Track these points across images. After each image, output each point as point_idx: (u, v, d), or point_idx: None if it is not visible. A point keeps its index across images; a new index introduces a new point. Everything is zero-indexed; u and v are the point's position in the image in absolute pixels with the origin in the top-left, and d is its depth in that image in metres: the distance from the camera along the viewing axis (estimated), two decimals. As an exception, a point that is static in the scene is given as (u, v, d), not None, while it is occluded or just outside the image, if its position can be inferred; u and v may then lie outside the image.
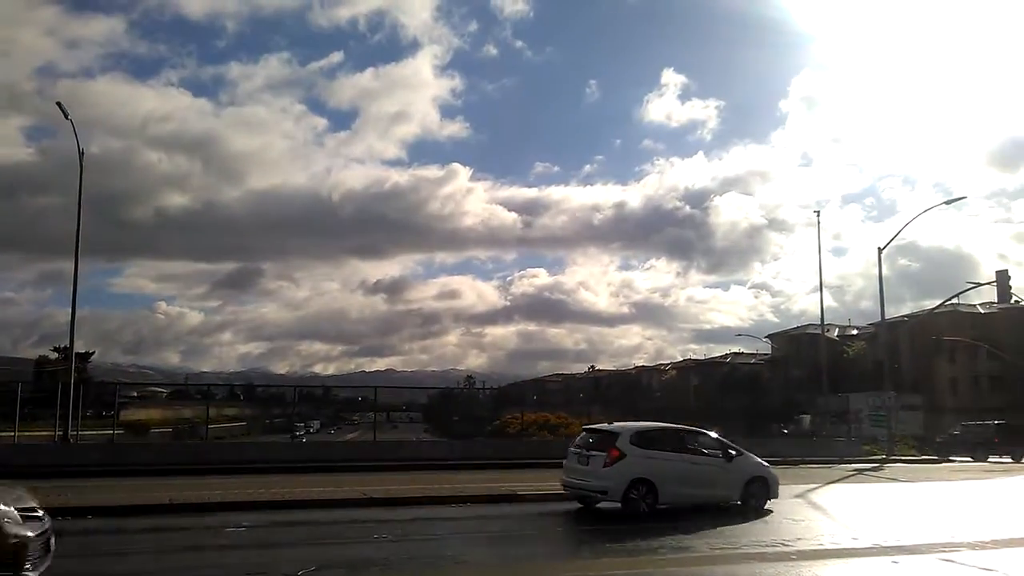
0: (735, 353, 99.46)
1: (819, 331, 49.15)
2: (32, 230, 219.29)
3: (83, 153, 27.40)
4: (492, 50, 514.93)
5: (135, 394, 63.45)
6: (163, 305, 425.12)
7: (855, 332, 78.92)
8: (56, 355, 73.20)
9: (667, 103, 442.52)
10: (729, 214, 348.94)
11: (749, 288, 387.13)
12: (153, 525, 12.54)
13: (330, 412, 70.68)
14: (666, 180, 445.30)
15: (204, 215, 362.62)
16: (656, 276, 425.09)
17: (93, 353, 78.73)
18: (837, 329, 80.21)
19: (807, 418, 45.09)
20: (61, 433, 25.88)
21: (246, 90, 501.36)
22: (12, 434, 27.93)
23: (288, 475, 21.64)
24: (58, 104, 26.87)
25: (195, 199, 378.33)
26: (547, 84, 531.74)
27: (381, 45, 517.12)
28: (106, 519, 12.94)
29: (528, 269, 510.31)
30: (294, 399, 56.41)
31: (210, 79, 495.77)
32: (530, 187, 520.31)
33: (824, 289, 47.68)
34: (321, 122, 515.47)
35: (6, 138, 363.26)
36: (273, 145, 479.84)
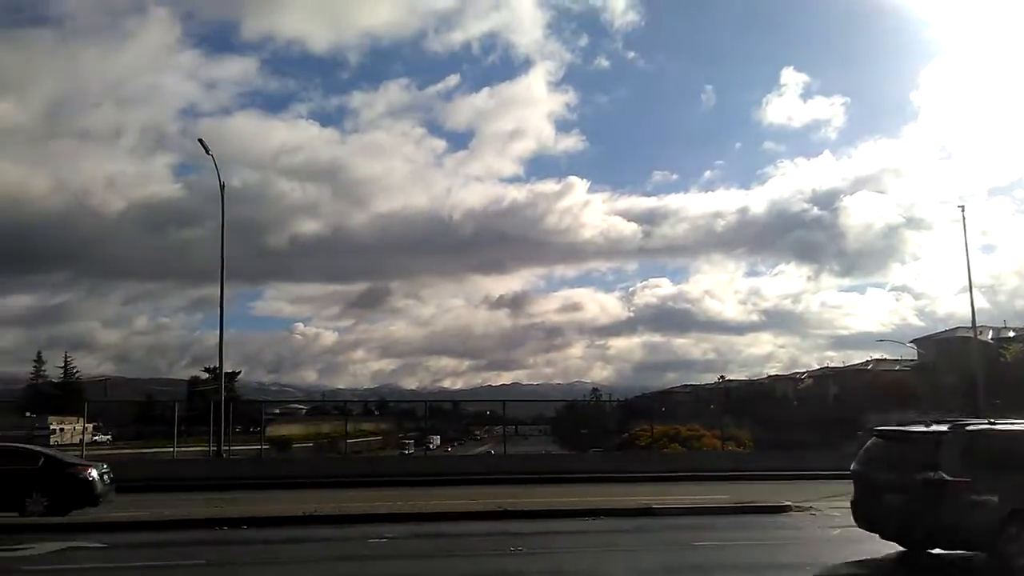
0: (877, 360, 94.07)
1: (971, 334, 45.74)
2: (182, 260, 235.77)
3: (224, 186, 29.23)
4: (604, 62, 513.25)
5: (278, 411, 66.96)
6: (300, 326, 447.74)
7: (1012, 334, 72.90)
8: (206, 375, 78.31)
9: (788, 103, 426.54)
10: (862, 214, 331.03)
11: (889, 291, 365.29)
12: (302, 535, 13.13)
13: (459, 426, 72.07)
14: (791, 182, 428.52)
15: (334, 239, 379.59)
16: (786, 281, 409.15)
17: (239, 373, 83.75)
18: (991, 331, 74.35)
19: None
20: (214, 448, 27.53)
21: (368, 117, 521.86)
22: (171, 450, 30.04)
23: (422, 488, 22.15)
24: (200, 141, 28.83)
25: (326, 224, 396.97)
26: (661, 92, 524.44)
27: (495, 65, 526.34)
28: (259, 529, 13.66)
29: (650, 279, 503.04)
30: (425, 414, 57.90)
31: (335, 109, 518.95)
32: (649, 196, 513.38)
33: (974, 289, 44.32)
34: (440, 144, 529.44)
35: (156, 176, 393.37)
36: (395, 169, 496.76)
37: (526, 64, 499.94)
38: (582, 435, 43.79)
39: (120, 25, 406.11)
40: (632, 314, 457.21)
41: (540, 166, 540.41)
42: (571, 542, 12.57)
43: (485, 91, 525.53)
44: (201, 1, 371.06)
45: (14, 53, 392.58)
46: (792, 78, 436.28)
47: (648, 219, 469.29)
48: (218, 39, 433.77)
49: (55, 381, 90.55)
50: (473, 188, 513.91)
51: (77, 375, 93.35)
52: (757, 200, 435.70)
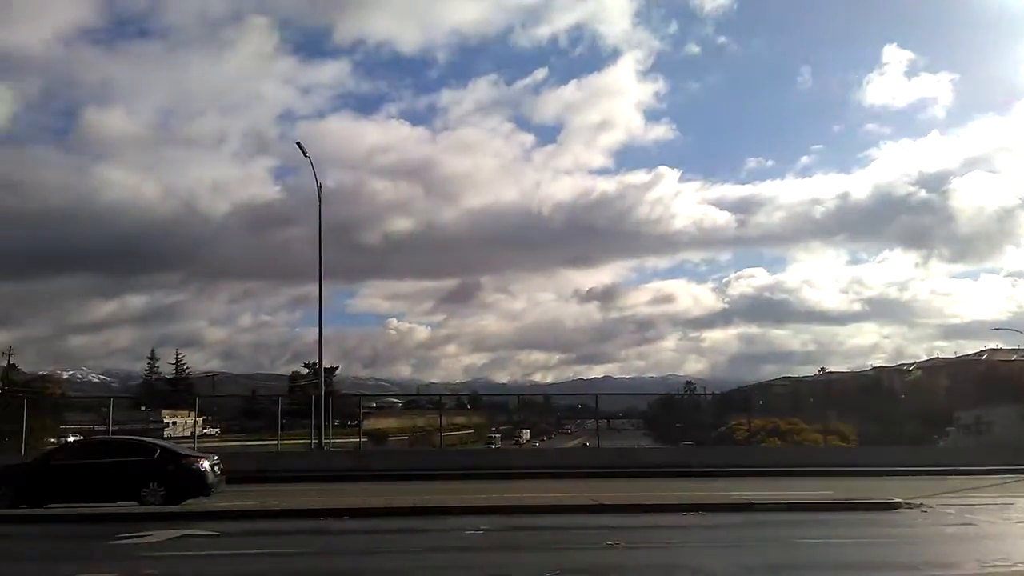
0: (991, 349, 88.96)
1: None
2: (282, 259, 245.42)
3: (320, 187, 30.14)
4: (694, 48, 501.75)
5: (374, 405, 68.68)
6: (394, 322, 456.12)
7: None
8: (306, 371, 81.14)
9: (891, 82, 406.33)
10: (973, 196, 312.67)
11: (1005, 276, 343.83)
12: (401, 526, 13.40)
13: (550, 420, 72.11)
14: (896, 164, 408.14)
15: (426, 236, 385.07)
16: (890, 268, 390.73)
17: (337, 368, 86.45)
18: (1119, 318, 69.10)
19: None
20: (316, 441, 28.44)
21: (457, 115, 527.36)
22: (275, 442, 31.21)
23: (516, 481, 22.30)
24: (298, 144, 29.79)
25: (418, 221, 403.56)
26: (755, 77, 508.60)
27: (582, 57, 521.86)
28: (361, 520, 14.01)
29: (745, 269, 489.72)
30: (517, 407, 58.23)
31: (424, 108, 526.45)
32: (742, 184, 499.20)
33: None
34: (528, 138, 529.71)
35: (257, 179, 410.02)
36: (485, 164, 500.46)
37: (614, 54, 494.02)
38: (676, 429, 43.09)
39: (221, 35, 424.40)
40: (727, 305, 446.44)
41: (629, 157, 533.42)
42: (669, 537, 12.38)
43: (573, 83, 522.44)
44: (296, 8, 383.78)
45: (124, 65, 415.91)
46: (895, 55, 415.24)
47: (742, 207, 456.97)
48: (312, 45, 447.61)
49: (167, 377, 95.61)
50: (562, 181, 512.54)
51: (187, 371, 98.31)
52: (859, 184, 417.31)
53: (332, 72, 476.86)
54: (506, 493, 17.77)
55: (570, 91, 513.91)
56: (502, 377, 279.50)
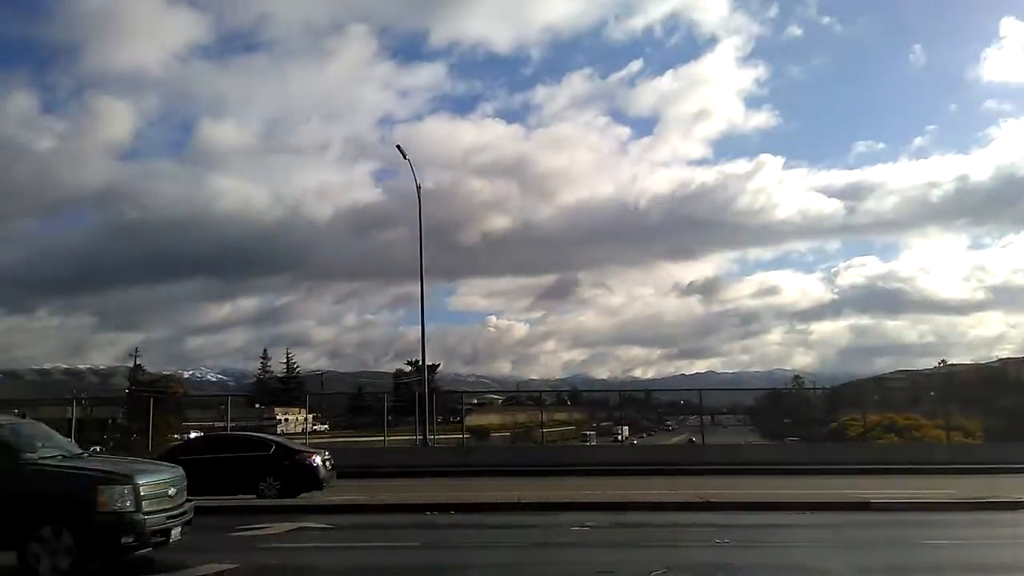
0: None
1: None
2: (384, 259, 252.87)
3: (420, 188, 30.66)
4: (797, 31, 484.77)
5: (476, 401, 69.41)
6: (493, 319, 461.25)
7: None
8: (409, 368, 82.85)
9: (1010, 56, 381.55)
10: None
11: None
12: (506, 521, 13.51)
13: (652, 415, 71.19)
14: (1018, 143, 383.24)
15: (523, 233, 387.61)
16: (1016, 253, 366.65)
17: (439, 365, 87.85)
18: None
19: None
20: (421, 438, 29.00)
21: (552, 111, 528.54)
22: (381, 439, 32.04)
23: (619, 477, 22.10)
24: (397, 147, 30.38)
25: (514, 219, 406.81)
26: (862, 57, 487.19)
27: (678, 46, 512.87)
28: (467, 514, 14.21)
29: (855, 258, 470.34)
30: (618, 403, 57.81)
31: (519, 106, 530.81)
32: (851, 169, 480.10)
33: None
34: (624, 131, 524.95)
35: (359, 182, 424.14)
36: (580, 159, 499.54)
37: (711, 42, 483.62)
38: (784, 425, 41.73)
39: (323, 44, 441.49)
40: (836, 296, 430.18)
41: (729, 146, 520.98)
42: (781, 536, 11.99)
43: (669, 74, 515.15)
44: (394, 14, 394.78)
45: (234, 79, 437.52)
46: (1013, 28, 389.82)
47: (851, 194, 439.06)
48: (409, 49, 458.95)
49: (279, 376, 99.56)
50: (659, 173, 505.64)
51: (297, 370, 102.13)
52: (979, 165, 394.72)
53: (429, 75, 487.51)
54: (610, 490, 17.64)
55: (666, 82, 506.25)
56: (601, 373, 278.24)
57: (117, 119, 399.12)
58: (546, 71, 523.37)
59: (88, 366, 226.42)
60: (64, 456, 9.75)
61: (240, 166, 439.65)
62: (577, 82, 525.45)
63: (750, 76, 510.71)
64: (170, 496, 9.39)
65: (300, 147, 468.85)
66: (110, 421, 50.86)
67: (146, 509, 8.86)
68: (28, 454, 9.23)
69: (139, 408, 45.27)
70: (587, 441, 52.44)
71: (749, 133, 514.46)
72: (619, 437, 58.35)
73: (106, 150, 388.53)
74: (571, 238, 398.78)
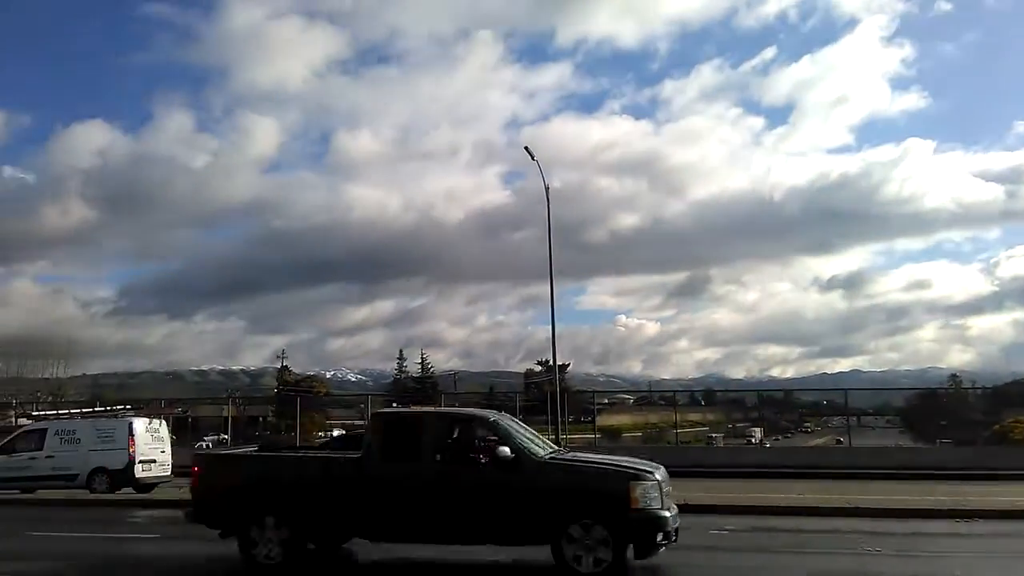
0: None
1: None
2: (513, 261, 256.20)
3: (548, 188, 30.76)
4: (945, 6, 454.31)
5: (606, 401, 69.12)
6: (623, 318, 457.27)
7: None
8: (540, 368, 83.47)
9: None
10: None
11: None
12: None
13: (792, 416, 68.42)
14: None
15: (652, 230, 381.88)
16: None
17: (569, 365, 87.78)
18: None
19: None
20: (553, 437, 29.13)
21: (681, 104, 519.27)
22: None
23: (757, 480, 21.38)
24: (525, 148, 30.58)
25: (644, 216, 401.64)
26: (1020, 30, 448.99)
27: (815, 30, 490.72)
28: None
29: (1018, 247, 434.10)
30: (755, 403, 55.97)
31: (647, 101, 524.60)
32: (1011, 151, 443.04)
33: None
34: (757, 121, 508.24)
35: (488, 185, 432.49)
36: (711, 153, 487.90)
37: (851, 23, 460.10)
38: (940, 427, 39.08)
39: (451, 53, 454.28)
40: (997, 288, 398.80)
41: (873, 131, 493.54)
42: (937, 545, 11.21)
43: (805, 59, 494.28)
44: (519, 17, 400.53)
45: (368, 91, 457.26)
46: None
47: (1013, 177, 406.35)
48: (535, 51, 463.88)
49: (414, 376, 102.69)
50: (796, 164, 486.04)
51: (432, 370, 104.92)
52: None
53: (554, 75, 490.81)
54: (749, 492, 17.08)
55: (802, 68, 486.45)
56: (737, 372, 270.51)
57: (263, 135, 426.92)
58: (674, 64, 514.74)
59: (240, 367, 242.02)
60: (554, 450, 10.01)
61: (375, 174, 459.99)
62: (707, 73, 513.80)
63: (895, 56, 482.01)
64: (669, 494, 9.07)
65: (431, 153, 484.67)
66: (261, 419, 54.29)
67: (666, 506, 8.75)
68: (537, 449, 9.39)
69: (287, 406, 48.06)
70: (713, 443, 50.97)
71: (895, 117, 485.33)
72: (752, 439, 56.49)
73: (254, 164, 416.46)
74: (702, 234, 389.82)
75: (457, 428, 9.88)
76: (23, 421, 41.71)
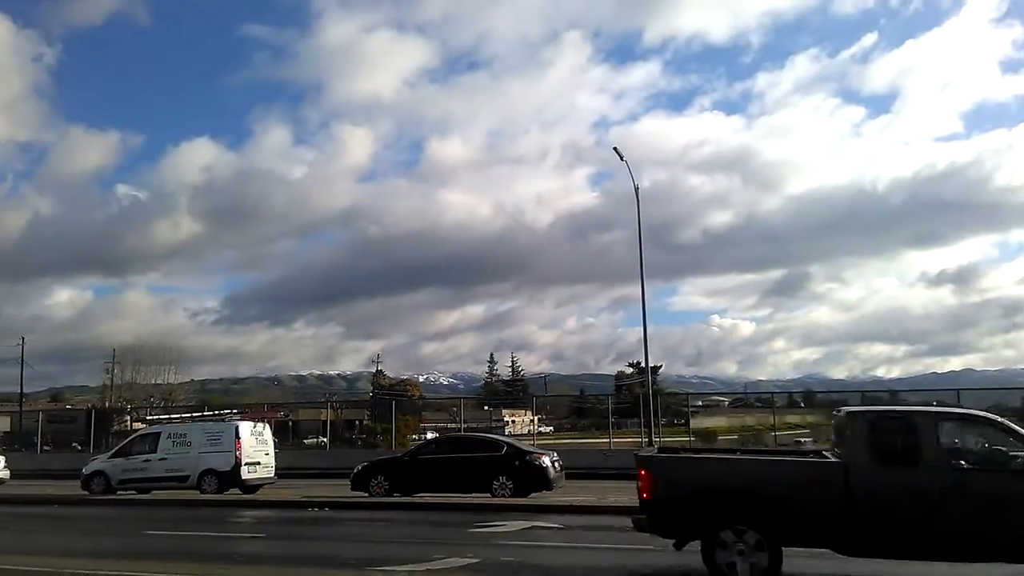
0: None
1: None
2: (603, 262, 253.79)
3: (638, 188, 30.48)
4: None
5: (700, 403, 67.63)
6: (716, 318, 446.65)
7: None
8: (631, 370, 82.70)
9: None
10: None
11: None
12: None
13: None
14: None
15: (746, 228, 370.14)
16: None
17: (660, 367, 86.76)
18: None
19: None
20: (646, 440, 28.76)
21: (775, 97, 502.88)
22: (605, 440, 32.19)
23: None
24: (614, 149, 30.41)
25: (737, 214, 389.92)
26: None
27: (918, 14, 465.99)
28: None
29: None
30: (859, 404, 53.73)
31: (739, 96, 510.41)
32: None
33: None
34: (857, 111, 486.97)
35: (576, 187, 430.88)
36: (808, 146, 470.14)
37: (956, 5, 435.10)
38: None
39: (539, 56, 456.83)
40: None
41: (984, 117, 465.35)
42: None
43: (908, 44, 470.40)
44: (607, 17, 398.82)
45: (458, 98, 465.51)
46: None
47: None
48: (623, 50, 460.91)
49: (505, 379, 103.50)
50: (899, 154, 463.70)
51: (522, 373, 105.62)
52: None
53: (643, 74, 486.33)
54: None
55: (905, 53, 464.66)
56: (839, 372, 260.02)
57: (357, 145, 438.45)
58: (767, 57, 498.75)
59: (337, 372, 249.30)
60: None
61: (465, 179, 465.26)
62: (802, 64, 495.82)
63: (1006, 38, 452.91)
64: None
65: (520, 157, 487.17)
66: (357, 422, 55.66)
67: None
68: None
69: (382, 410, 49.11)
70: (801, 445, 48.97)
71: (1008, 101, 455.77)
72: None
73: (348, 174, 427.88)
74: (800, 230, 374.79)
75: (960, 429, 9.09)
76: (137, 425, 44.18)
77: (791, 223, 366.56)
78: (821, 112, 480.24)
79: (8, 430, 55.04)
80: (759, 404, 62.49)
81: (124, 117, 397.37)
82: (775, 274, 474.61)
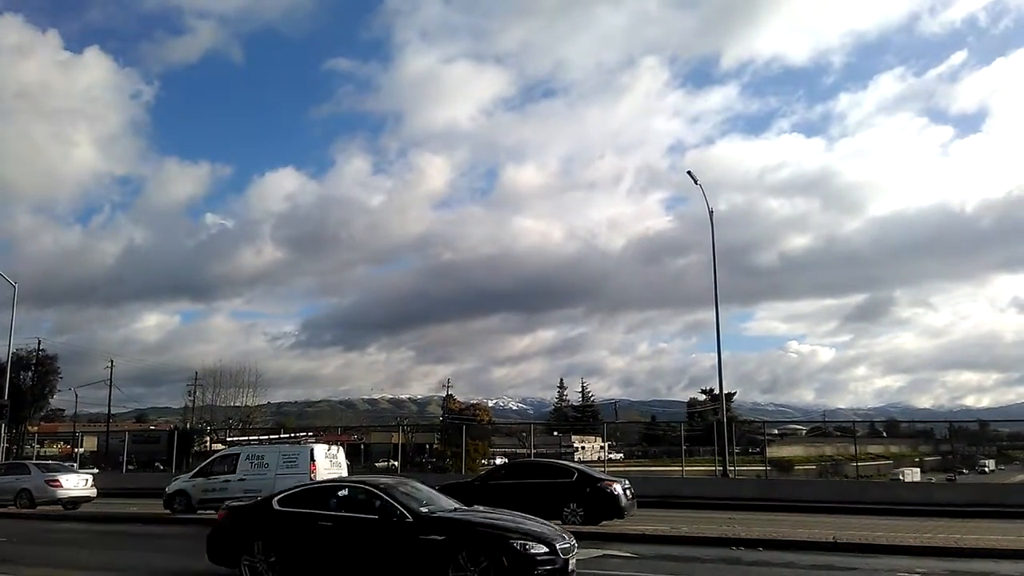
0: None
1: None
2: (676, 287, 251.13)
3: (712, 212, 30.11)
4: None
5: (776, 432, 65.86)
6: (794, 344, 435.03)
7: None
8: (704, 396, 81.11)
9: None
10: None
11: None
12: (820, 562, 12.48)
13: (990, 449, 62.19)
14: None
15: (826, 251, 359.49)
16: None
17: (735, 393, 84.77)
18: None
19: None
20: (720, 469, 28.13)
21: (857, 118, 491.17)
22: (677, 468, 31.59)
23: (952, 519, 19.54)
24: (688, 173, 30.25)
25: (816, 237, 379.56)
26: None
27: (1008, 32, 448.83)
28: (775, 551, 13.41)
29: None
30: (946, 435, 51.35)
31: (819, 117, 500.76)
32: None
33: None
34: (945, 131, 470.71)
35: (650, 211, 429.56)
36: (892, 167, 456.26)
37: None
38: None
39: (616, 81, 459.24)
40: None
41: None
42: None
43: (998, 63, 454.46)
44: (684, 42, 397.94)
45: (533, 125, 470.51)
46: None
47: None
48: (700, 75, 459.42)
49: (574, 404, 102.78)
50: (990, 173, 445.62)
51: (592, 399, 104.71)
52: None
53: (720, 97, 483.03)
54: (940, 532, 15.64)
55: (995, 71, 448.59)
56: (924, 401, 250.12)
57: (434, 173, 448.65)
58: (850, 77, 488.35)
59: (408, 395, 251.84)
60: None
61: (539, 205, 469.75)
62: (886, 84, 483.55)
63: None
64: None
65: (594, 182, 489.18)
66: (427, 446, 56.08)
67: None
68: None
69: (452, 434, 49.37)
70: (899, 476, 46.94)
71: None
72: (985, 468, 51.01)
73: (425, 201, 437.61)
74: (883, 253, 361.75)
75: None
76: (217, 446, 45.51)
77: (874, 246, 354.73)
78: (907, 132, 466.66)
79: (95, 449, 57.45)
80: (839, 433, 60.56)
81: (215, 149, 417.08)
82: (857, 299, 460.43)
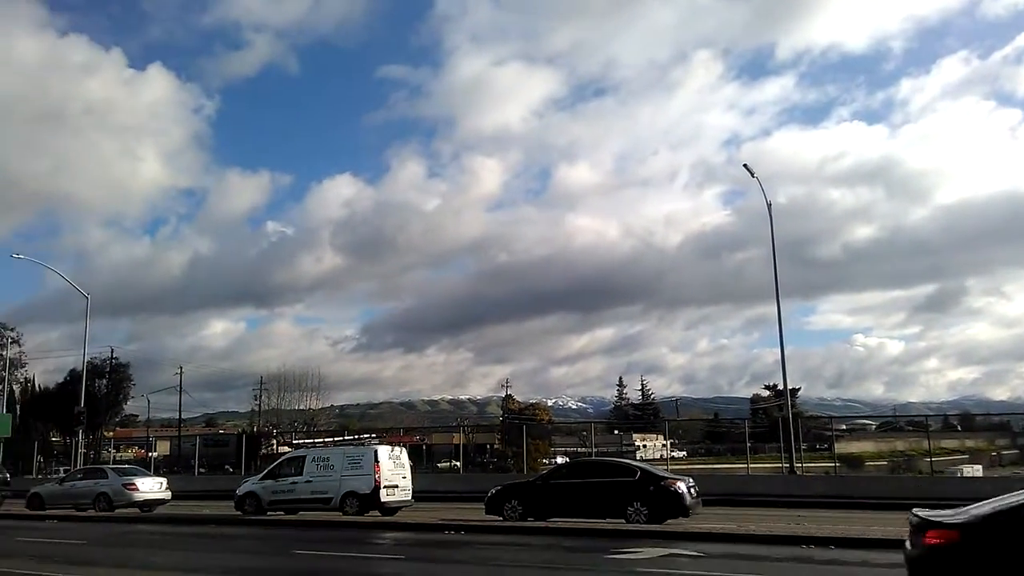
0: None
1: None
2: (736, 282, 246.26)
3: (771, 205, 29.59)
4: None
5: (844, 427, 64.19)
6: (860, 337, 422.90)
7: None
8: (767, 392, 79.57)
9: None
10: None
11: None
12: (897, 560, 12.09)
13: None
14: None
15: (891, 241, 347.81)
16: None
17: (799, 389, 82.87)
18: None
19: None
20: (787, 466, 27.55)
21: (920, 104, 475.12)
22: (742, 466, 31.07)
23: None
24: (745, 166, 29.76)
25: (881, 227, 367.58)
26: None
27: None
28: (848, 549, 13.06)
29: None
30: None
31: (880, 105, 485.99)
32: None
33: None
34: (1014, 114, 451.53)
35: (707, 206, 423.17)
36: (959, 153, 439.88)
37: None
38: None
39: (668, 77, 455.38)
40: None
41: None
42: None
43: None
44: (738, 34, 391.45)
45: (585, 124, 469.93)
46: None
47: None
48: (754, 66, 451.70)
49: (634, 403, 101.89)
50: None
51: (652, 396, 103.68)
52: None
53: (776, 88, 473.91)
54: None
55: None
56: (1000, 393, 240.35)
57: (487, 175, 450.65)
58: (911, 62, 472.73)
59: (467, 396, 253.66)
60: None
61: (593, 204, 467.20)
62: (950, 68, 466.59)
63: None
64: None
65: (649, 179, 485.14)
66: (488, 446, 56.32)
67: None
68: None
69: (512, 434, 49.49)
70: (958, 472, 45.08)
71: None
72: None
73: (479, 203, 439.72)
74: (952, 242, 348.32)
75: None
76: (283, 449, 46.48)
77: (942, 234, 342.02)
78: (973, 116, 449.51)
79: (168, 454, 59.34)
80: (911, 428, 58.63)
81: (274, 159, 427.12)
82: (925, 289, 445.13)
